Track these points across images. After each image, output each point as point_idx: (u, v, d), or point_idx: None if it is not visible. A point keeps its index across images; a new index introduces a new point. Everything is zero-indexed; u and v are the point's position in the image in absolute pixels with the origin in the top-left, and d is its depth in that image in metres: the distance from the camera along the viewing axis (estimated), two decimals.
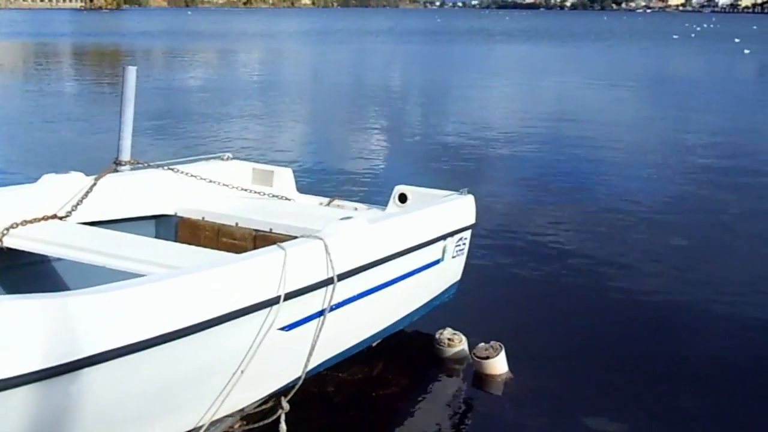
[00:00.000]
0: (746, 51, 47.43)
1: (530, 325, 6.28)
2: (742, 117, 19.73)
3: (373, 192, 9.69)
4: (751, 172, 12.34)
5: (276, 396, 4.39)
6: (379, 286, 4.98)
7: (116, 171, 5.67)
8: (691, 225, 9.36)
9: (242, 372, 3.96)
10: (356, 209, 6.27)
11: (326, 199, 6.52)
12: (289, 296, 4.04)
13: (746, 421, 4.95)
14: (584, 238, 8.67)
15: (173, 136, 15.15)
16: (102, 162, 5.71)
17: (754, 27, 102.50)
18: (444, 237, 5.68)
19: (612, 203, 10.22)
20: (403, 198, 6.21)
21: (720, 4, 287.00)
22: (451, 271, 5.99)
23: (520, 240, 8.56)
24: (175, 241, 5.56)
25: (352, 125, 17.30)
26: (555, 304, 6.78)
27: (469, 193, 6.01)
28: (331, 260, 4.33)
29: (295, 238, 4.57)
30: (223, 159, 6.46)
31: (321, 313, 4.38)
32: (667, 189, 11.21)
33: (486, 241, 8.02)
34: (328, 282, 4.33)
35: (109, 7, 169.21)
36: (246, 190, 6.23)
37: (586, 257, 8.00)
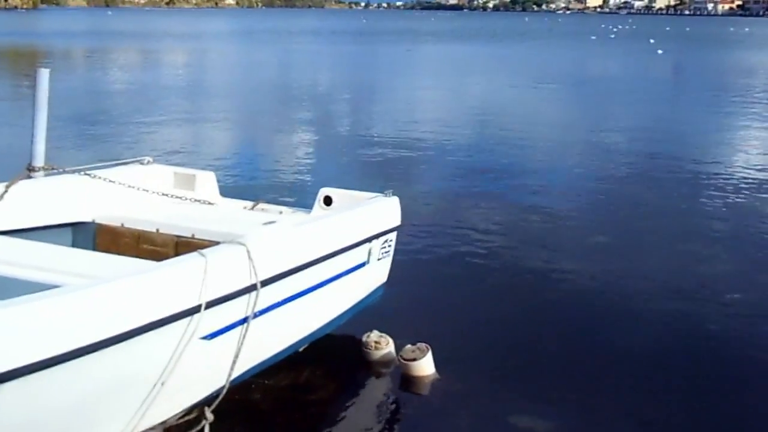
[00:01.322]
0: (660, 51, 49.03)
1: (457, 325, 6.33)
2: (658, 115, 20.36)
3: (298, 195, 9.63)
4: (666, 169, 12.73)
5: (199, 406, 4.30)
6: (304, 290, 4.94)
7: (29, 177, 5.47)
8: (611, 222, 9.61)
9: (163, 383, 3.86)
10: (281, 213, 6.20)
11: (250, 203, 6.42)
12: (211, 304, 3.97)
13: (665, 413, 5.10)
14: (509, 238, 8.79)
15: (91, 140, 14.73)
16: (14, 168, 5.50)
17: (668, 28, 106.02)
18: (369, 239, 5.67)
19: (536, 202, 10.40)
20: (328, 201, 6.16)
21: (636, 5, 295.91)
22: (377, 274, 5.98)
23: (445, 240, 8.62)
24: (93, 249, 5.39)
25: (277, 127, 17.16)
26: (481, 304, 6.85)
27: (393, 194, 6.02)
28: (254, 266, 4.27)
29: (218, 243, 4.49)
30: (143, 163, 6.30)
31: (244, 320, 4.31)
32: (587, 187, 11.48)
33: (412, 243, 8.05)
34: (251, 288, 4.27)
35: (25, 6, 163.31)
36: (167, 195, 6.09)
37: (510, 257, 8.12)
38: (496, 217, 9.68)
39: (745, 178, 12.11)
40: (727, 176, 12.21)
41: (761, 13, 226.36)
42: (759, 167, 13.04)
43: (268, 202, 6.48)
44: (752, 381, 5.55)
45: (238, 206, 6.37)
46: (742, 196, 10.90)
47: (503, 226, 9.28)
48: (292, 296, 4.81)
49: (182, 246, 5.25)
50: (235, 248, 4.24)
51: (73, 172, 5.66)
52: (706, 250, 8.39)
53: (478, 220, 9.43)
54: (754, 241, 8.75)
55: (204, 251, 4.08)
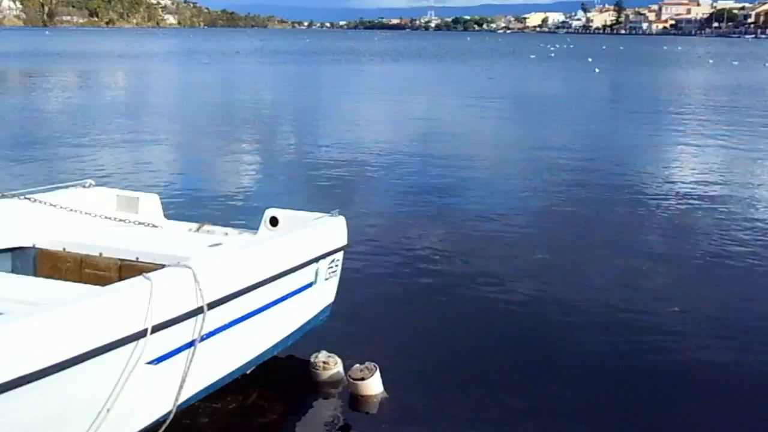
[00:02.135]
0: (597, 70, 50.24)
1: (404, 343, 6.37)
2: (596, 132, 20.86)
3: (243, 216, 9.57)
4: (604, 186, 13.03)
5: None
6: (251, 312, 4.93)
7: None
8: (552, 239, 9.78)
9: (108, 410, 3.81)
10: (227, 234, 6.18)
11: (195, 225, 6.38)
12: (157, 328, 3.94)
13: (606, 422, 5.21)
14: (454, 256, 8.88)
15: (30, 164, 14.42)
16: None
17: (604, 47, 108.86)
18: (316, 260, 5.68)
19: (479, 219, 10.53)
20: (274, 221, 6.15)
21: (574, 25, 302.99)
22: (324, 294, 5.99)
23: (392, 259, 8.68)
24: (34, 275, 5.29)
25: (222, 148, 17.06)
26: (427, 322, 6.91)
27: (340, 214, 6.04)
28: (200, 289, 4.25)
29: (163, 266, 4.46)
30: (84, 186, 6.21)
31: (191, 344, 4.28)
32: (529, 204, 11.68)
33: (359, 262, 8.08)
34: (197, 312, 4.24)
35: None
36: (110, 218, 6.01)
37: (455, 274, 8.21)
38: (441, 235, 9.78)
39: (680, 193, 12.48)
40: (663, 191, 12.56)
41: (693, 32, 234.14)
42: (692, 182, 13.44)
43: (214, 223, 6.44)
44: (689, 390, 5.71)
45: (182, 228, 6.32)
46: (678, 210, 11.22)
47: (448, 243, 9.38)
48: (238, 318, 4.80)
49: (126, 270, 5.19)
50: (181, 271, 4.22)
51: (12, 196, 5.56)
52: (644, 264, 8.61)
53: (423, 239, 9.51)
54: (689, 255, 9.00)
55: (149, 275, 4.05)
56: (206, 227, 6.34)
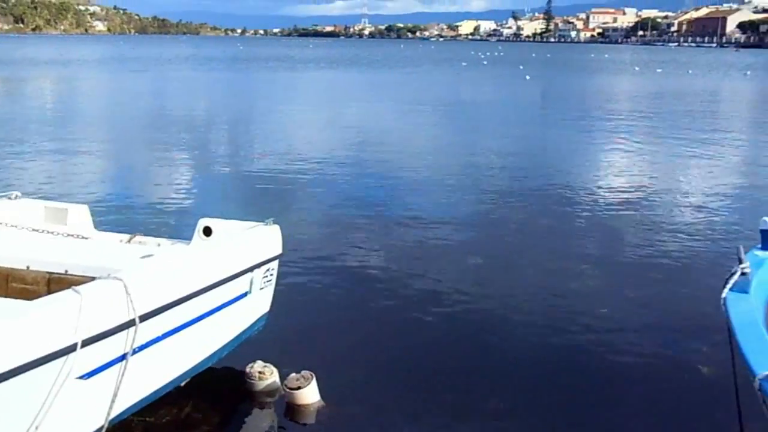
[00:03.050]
0: (528, 77, 51.23)
1: (340, 351, 6.39)
2: (528, 138, 21.26)
3: (176, 226, 9.47)
4: (536, 190, 13.30)
5: None
6: (185, 324, 4.88)
7: None
8: (485, 243, 9.94)
9: (37, 427, 3.73)
10: (159, 245, 6.09)
11: (126, 236, 6.27)
12: (87, 342, 3.88)
13: (541, 423, 5.33)
14: (389, 262, 8.95)
15: None
16: None
17: (534, 54, 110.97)
18: (251, 269, 5.66)
19: (414, 225, 10.62)
20: (207, 231, 6.10)
21: (505, 33, 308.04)
22: (259, 303, 5.97)
23: (327, 267, 8.69)
24: None
25: (154, 157, 16.79)
26: (364, 329, 6.95)
27: (274, 223, 6.03)
28: (131, 301, 4.20)
29: (94, 279, 4.39)
30: (10, 198, 6.06)
31: (123, 357, 4.22)
32: (462, 209, 11.84)
33: (294, 270, 8.07)
34: (129, 324, 4.19)
35: None
36: (37, 230, 5.87)
37: (390, 281, 8.26)
38: (376, 241, 9.84)
39: (608, 196, 12.82)
40: (592, 195, 12.89)
41: (619, 40, 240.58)
42: (620, 186, 13.82)
43: (146, 234, 6.34)
44: (619, 387, 5.88)
45: (113, 240, 6.21)
46: (606, 214, 11.53)
47: (383, 250, 9.44)
48: (172, 330, 4.75)
49: (55, 283, 5.08)
50: (112, 283, 4.16)
51: None
52: (574, 267, 8.82)
53: (358, 246, 9.55)
54: (617, 257, 9.27)
55: (78, 288, 3.98)
56: (138, 238, 6.24)
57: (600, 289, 8.17)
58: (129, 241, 6.19)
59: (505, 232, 10.51)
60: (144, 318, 4.28)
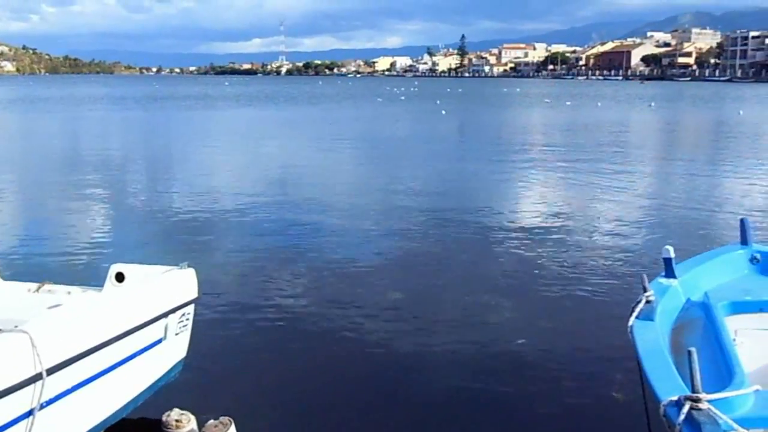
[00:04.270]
0: (444, 111, 52.19)
1: (260, 395, 6.31)
2: (445, 173, 21.56)
3: (88, 272, 9.21)
4: (453, 225, 13.50)
5: None
6: (96, 374, 4.75)
7: None
8: (406, 279, 10.01)
9: None
10: (69, 293, 5.92)
11: (35, 285, 6.08)
12: None
13: None
14: (309, 302, 8.91)
15: None
16: None
17: (448, 89, 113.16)
18: (165, 314, 5.56)
19: (333, 264, 10.62)
20: (120, 277, 5.97)
21: (421, 69, 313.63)
22: (175, 349, 5.86)
23: (246, 309, 8.59)
24: None
25: (66, 200, 16.32)
26: (283, 371, 6.88)
27: (189, 266, 5.95)
28: (38, 354, 4.06)
29: None
30: None
31: (30, 413, 4.07)
32: (382, 246, 11.90)
33: (211, 314, 7.96)
34: (35, 378, 4.05)
35: None
36: None
37: (311, 321, 8.23)
38: (294, 281, 9.79)
39: (523, 228, 13.12)
40: (508, 228, 13.17)
41: (531, 74, 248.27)
42: (534, 218, 14.17)
43: (55, 282, 6.15)
44: (537, 417, 5.98)
45: (21, 289, 6.00)
46: (521, 246, 11.78)
47: (304, 290, 9.40)
48: (83, 382, 4.61)
49: None
50: (16, 336, 4.02)
51: None
52: (492, 300, 8.97)
53: (278, 286, 9.48)
54: (533, 288, 9.47)
55: None
56: (47, 287, 6.05)
57: (517, 320, 8.32)
58: (37, 289, 5.99)
59: (425, 268, 10.61)
60: (51, 371, 4.15)
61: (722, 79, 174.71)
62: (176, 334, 5.81)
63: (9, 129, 40.62)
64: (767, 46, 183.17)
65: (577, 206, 15.50)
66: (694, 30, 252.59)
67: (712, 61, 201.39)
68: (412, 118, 48.16)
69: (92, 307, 4.90)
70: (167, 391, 5.71)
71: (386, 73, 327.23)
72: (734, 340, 4.82)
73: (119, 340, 4.91)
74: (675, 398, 3.55)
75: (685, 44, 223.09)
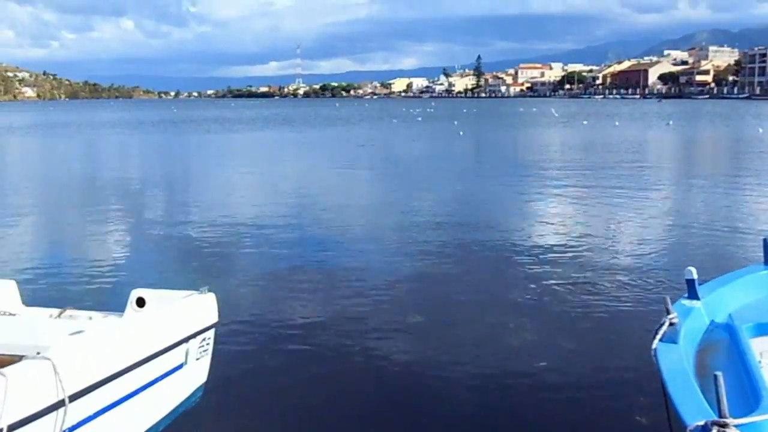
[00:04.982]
0: (461, 132, 52.26)
1: (281, 420, 6.28)
2: (465, 193, 21.56)
3: (109, 297, 9.25)
4: (474, 245, 13.45)
5: None
6: (118, 400, 4.77)
7: None
8: (426, 300, 9.99)
9: None
10: (90, 319, 5.96)
11: (57, 311, 6.13)
12: (14, 427, 3.75)
13: None
14: (329, 324, 8.89)
15: None
16: None
17: (464, 110, 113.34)
18: (186, 340, 5.58)
19: (353, 286, 10.61)
20: (140, 302, 6.01)
21: (437, 90, 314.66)
22: (195, 374, 5.87)
23: (266, 332, 8.58)
24: None
25: (87, 225, 16.46)
26: (304, 394, 6.85)
27: (210, 291, 5.98)
28: (60, 381, 4.09)
29: (22, 358, 4.26)
30: None
31: None
32: (403, 267, 11.87)
33: (231, 338, 7.95)
34: (58, 405, 4.07)
35: None
36: None
37: (332, 343, 8.21)
38: (315, 304, 9.78)
39: (543, 248, 13.05)
40: (528, 248, 13.10)
41: (548, 94, 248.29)
42: (554, 238, 14.09)
43: (77, 308, 6.21)
44: None
45: (43, 315, 6.05)
46: (541, 265, 11.71)
47: (322, 312, 9.38)
48: (104, 408, 4.63)
49: None
50: (39, 363, 4.05)
51: None
52: (512, 321, 8.91)
53: (297, 309, 9.48)
54: (554, 309, 9.40)
55: (4, 370, 3.86)
56: (69, 312, 6.10)
57: (537, 342, 8.25)
58: (59, 315, 6.04)
59: (444, 289, 10.58)
60: (74, 397, 4.17)
61: (741, 96, 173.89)
62: (197, 359, 5.83)
63: (30, 154, 41.12)
64: None
65: (597, 226, 15.41)
66: (712, 48, 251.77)
67: (730, 78, 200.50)
68: (431, 139, 48.26)
69: (113, 332, 4.93)
70: (188, 417, 5.71)
71: (402, 94, 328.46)
72: (760, 362, 4.76)
73: (141, 366, 4.93)
74: (702, 423, 3.50)
75: (703, 62, 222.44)
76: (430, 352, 7.93)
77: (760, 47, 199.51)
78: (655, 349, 4.63)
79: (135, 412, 5.00)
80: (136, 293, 6.04)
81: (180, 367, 5.55)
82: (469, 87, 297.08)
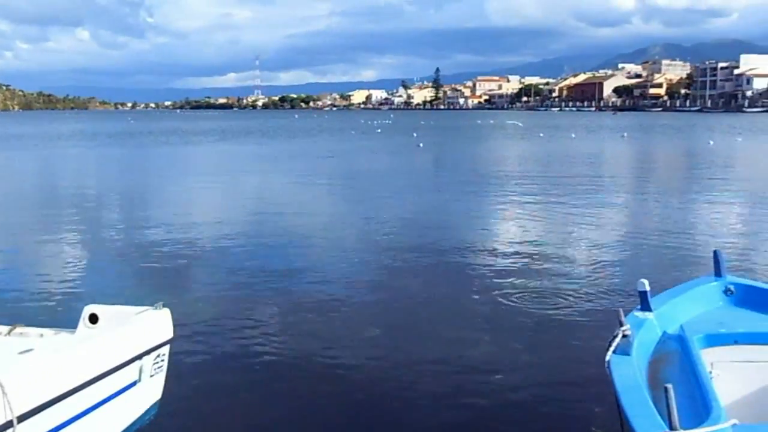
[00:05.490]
0: (421, 144, 52.51)
1: None
2: (424, 207, 21.62)
3: (61, 314, 9.08)
4: (431, 258, 13.48)
5: None
6: (70, 420, 4.68)
7: None
8: (384, 314, 9.98)
9: None
10: (42, 336, 5.84)
11: (6, 328, 5.98)
12: None
13: None
14: (287, 339, 8.84)
15: None
16: None
17: (422, 122, 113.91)
18: (140, 356, 5.50)
19: (312, 299, 10.56)
20: (93, 318, 5.90)
21: (396, 102, 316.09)
22: (150, 391, 5.79)
23: (223, 347, 8.49)
24: None
25: (39, 239, 16.14)
26: (262, 410, 6.79)
27: (164, 306, 5.90)
28: (9, 401, 3.99)
29: None
30: None
31: None
32: (360, 281, 11.86)
33: (187, 354, 7.84)
34: (6, 426, 3.98)
35: None
36: None
37: (291, 357, 8.16)
38: (273, 318, 9.71)
39: (501, 261, 13.14)
40: (486, 261, 13.19)
41: (505, 106, 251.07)
42: (512, 251, 14.20)
43: (27, 324, 6.06)
44: None
45: None
46: (499, 278, 11.78)
47: (280, 327, 9.32)
48: (56, 427, 4.54)
49: None
50: None
51: None
52: (470, 334, 8.95)
53: (255, 325, 9.39)
54: (511, 323, 9.45)
55: None
56: (18, 329, 5.95)
57: (495, 354, 8.30)
58: (8, 333, 5.90)
59: (403, 303, 10.58)
60: (23, 418, 4.07)
61: (693, 109, 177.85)
62: (151, 375, 5.74)
63: None
64: (735, 76, 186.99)
65: (553, 239, 15.58)
66: (665, 61, 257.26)
67: (683, 91, 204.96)
68: (390, 152, 48.35)
69: (65, 350, 4.84)
70: None
71: (362, 106, 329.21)
72: (710, 372, 4.85)
73: (93, 384, 4.84)
74: None
75: (656, 75, 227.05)
76: (387, 366, 7.92)
77: (711, 61, 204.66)
78: (609, 362, 4.69)
79: (87, 430, 4.90)
80: (88, 309, 5.93)
81: (134, 384, 5.47)
82: (428, 99, 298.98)
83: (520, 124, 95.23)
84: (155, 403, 5.87)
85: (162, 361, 5.92)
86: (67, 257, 14.16)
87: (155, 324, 5.76)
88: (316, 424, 6.53)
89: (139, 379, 5.54)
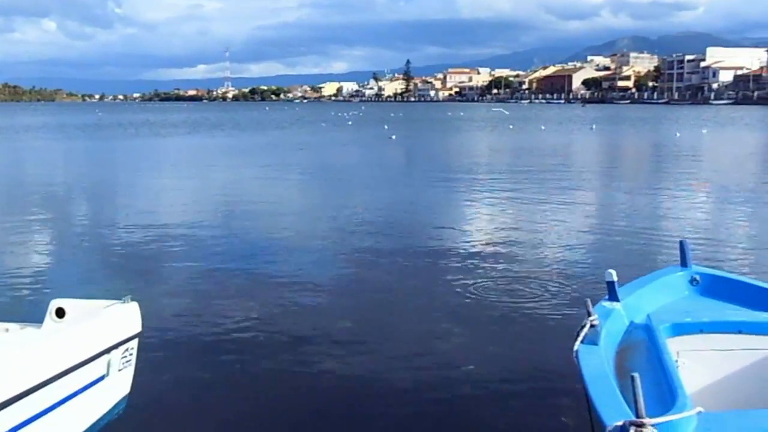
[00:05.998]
0: (393, 137, 52.60)
1: (208, 430, 6.19)
2: (395, 199, 21.63)
3: (26, 308, 8.96)
4: (404, 250, 13.51)
5: None
6: (36, 415, 4.62)
7: None
8: (355, 307, 9.98)
9: None
10: (7, 330, 5.76)
11: None
12: None
13: None
14: (257, 332, 8.80)
15: None
16: None
17: (392, 114, 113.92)
18: (108, 350, 5.45)
19: (283, 292, 10.53)
20: (60, 313, 5.83)
21: (367, 94, 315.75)
22: (118, 386, 5.73)
23: (191, 342, 8.43)
24: None
25: (3, 233, 15.89)
26: (232, 406, 6.76)
27: (132, 300, 5.85)
28: None
29: None
30: None
31: None
32: (331, 273, 11.86)
33: (156, 348, 7.78)
34: None
35: None
36: None
37: (259, 352, 8.12)
38: (245, 312, 9.66)
39: (471, 252, 13.21)
40: (457, 252, 13.24)
41: (476, 98, 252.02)
42: (482, 242, 14.29)
43: None
44: None
45: None
46: (469, 269, 11.85)
47: (251, 322, 9.27)
48: (23, 422, 4.48)
49: None
50: None
51: None
52: (441, 326, 8.98)
53: (225, 317, 9.34)
54: (481, 315, 9.49)
55: None
56: None
57: (465, 346, 8.34)
58: None
59: (374, 296, 10.59)
60: None
61: (660, 101, 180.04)
62: (119, 370, 5.69)
63: None
64: (702, 69, 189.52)
65: (522, 231, 15.68)
66: (632, 54, 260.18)
67: (650, 84, 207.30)
68: (362, 144, 48.32)
69: (31, 344, 4.78)
70: (111, 430, 5.57)
71: (333, 98, 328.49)
72: (676, 361, 4.92)
73: (60, 379, 4.78)
74: (620, 423, 3.59)
75: (624, 68, 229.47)
76: (359, 360, 7.92)
77: (678, 54, 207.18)
78: (577, 351, 4.74)
79: (55, 426, 4.84)
80: (55, 303, 5.86)
81: (102, 378, 5.41)
82: (399, 91, 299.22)
83: (506, 112, 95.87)
84: (124, 398, 5.81)
85: (130, 355, 5.86)
86: (34, 251, 13.97)
87: (123, 318, 5.71)
88: (286, 418, 6.52)
89: (107, 374, 5.49)
